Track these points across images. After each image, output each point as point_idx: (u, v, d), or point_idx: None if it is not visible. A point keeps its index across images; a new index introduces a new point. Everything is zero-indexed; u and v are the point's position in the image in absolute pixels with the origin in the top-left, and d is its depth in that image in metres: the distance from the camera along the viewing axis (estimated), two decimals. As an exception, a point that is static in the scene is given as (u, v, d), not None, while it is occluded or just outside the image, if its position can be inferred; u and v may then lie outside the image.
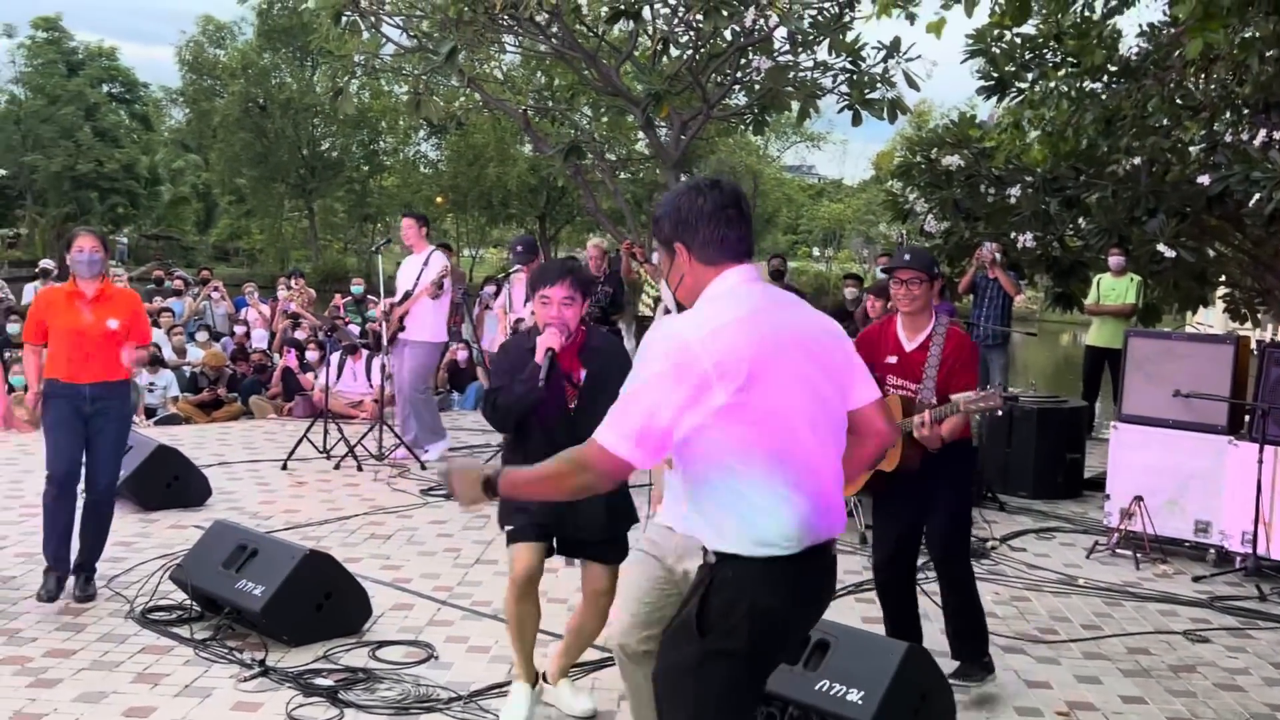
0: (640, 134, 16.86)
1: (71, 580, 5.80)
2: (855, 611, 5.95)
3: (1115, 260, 10.66)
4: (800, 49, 11.43)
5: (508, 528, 4.45)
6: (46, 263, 18.77)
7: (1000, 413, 4.79)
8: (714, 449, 2.64)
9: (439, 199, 44.30)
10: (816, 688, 4.29)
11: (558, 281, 4.36)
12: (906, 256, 4.94)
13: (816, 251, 59.48)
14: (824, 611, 2.94)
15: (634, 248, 11.75)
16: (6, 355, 11.53)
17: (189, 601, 5.52)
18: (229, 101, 44.42)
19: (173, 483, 7.66)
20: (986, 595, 5.32)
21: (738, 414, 2.60)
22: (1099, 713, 4.84)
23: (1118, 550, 7.24)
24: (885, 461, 4.79)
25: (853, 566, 6.84)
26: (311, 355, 12.92)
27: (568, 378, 4.44)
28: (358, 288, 17.37)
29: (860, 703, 4.17)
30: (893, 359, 4.89)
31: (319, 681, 4.73)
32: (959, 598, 5.02)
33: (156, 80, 53.90)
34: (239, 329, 15.51)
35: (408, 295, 9.38)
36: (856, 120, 11.09)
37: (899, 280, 4.86)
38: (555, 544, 4.48)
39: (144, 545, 6.69)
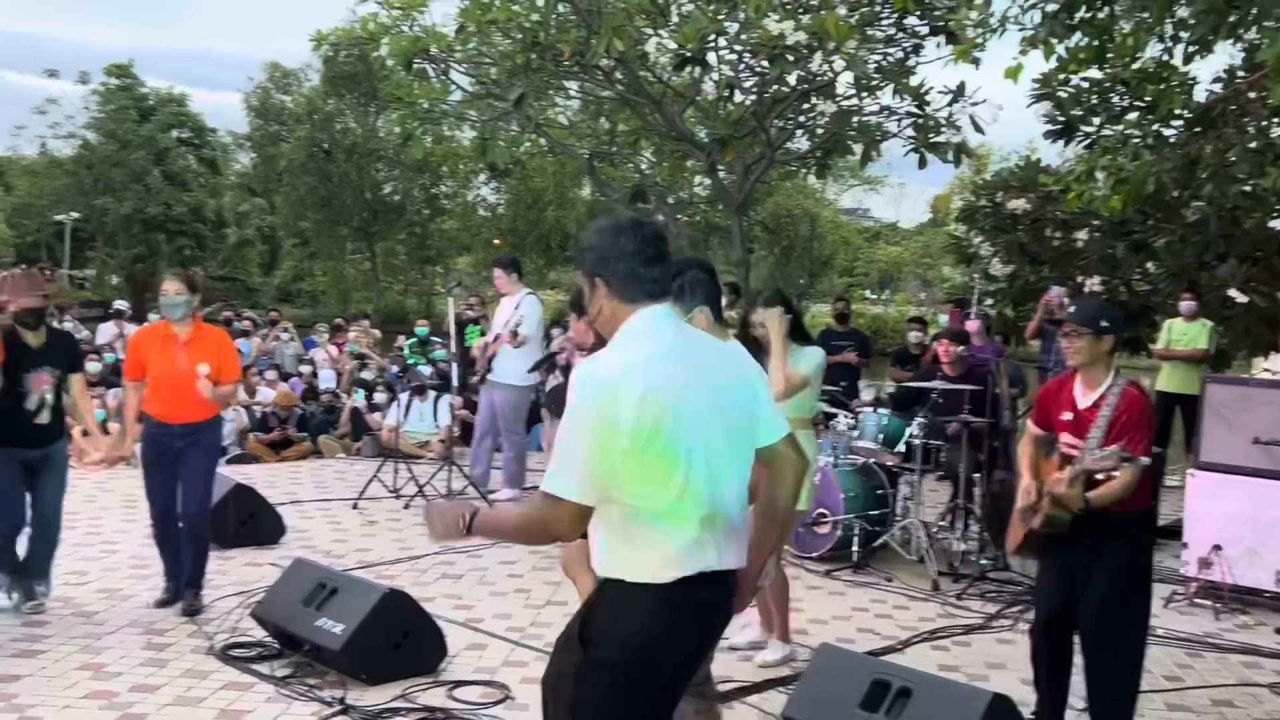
0: (701, 177, 16.93)
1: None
2: (931, 660, 5.88)
3: (1186, 305, 10.52)
4: (865, 93, 11.47)
5: None
6: (120, 304, 19.22)
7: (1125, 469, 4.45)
8: (618, 480, 2.77)
9: (496, 241, 44.75)
10: (898, 735, 4.26)
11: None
12: (1071, 309, 4.86)
13: (871, 294, 59.26)
14: (714, 639, 3.07)
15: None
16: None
17: (269, 639, 5.59)
18: (294, 146, 45.23)
19: (248, 520, 7.77)
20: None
21: (644, 447, 2.72)
22: (1185, 766, 4.75)
23: (1196, 600, 7.10)
24: (1035, 518, 4.64)
25: (926, 614, 6.78)
26: (379, 396, 13.08)
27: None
28: (422, 329, 17.57)
29: (945, 750, 4.14)
30: (1067, 416, 4.69)
31: (398, 720, 4.77)
32: (1107, 679, 4.68)
33: (224, 125, 54.79)
34: (305, 369, 15.74)
35: (497, 338, 9.54)
36: (922, 163, 11.08)
37: (1064, 332, 4.75)
38: None
39: (221, 582, 6.78)
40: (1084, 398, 4.67)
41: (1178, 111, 8.82)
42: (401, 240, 48.52)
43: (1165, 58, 7.07)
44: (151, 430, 6.19)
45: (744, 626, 5.98)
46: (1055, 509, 4.54)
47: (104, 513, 8.58)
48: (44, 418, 6.03)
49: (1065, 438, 4.69)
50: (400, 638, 5.30)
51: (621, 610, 2.83)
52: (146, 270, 47.02)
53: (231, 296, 44.94)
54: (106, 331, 17.11)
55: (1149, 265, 11.08)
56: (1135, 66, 7.53)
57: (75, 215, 49.28)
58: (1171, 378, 10.98)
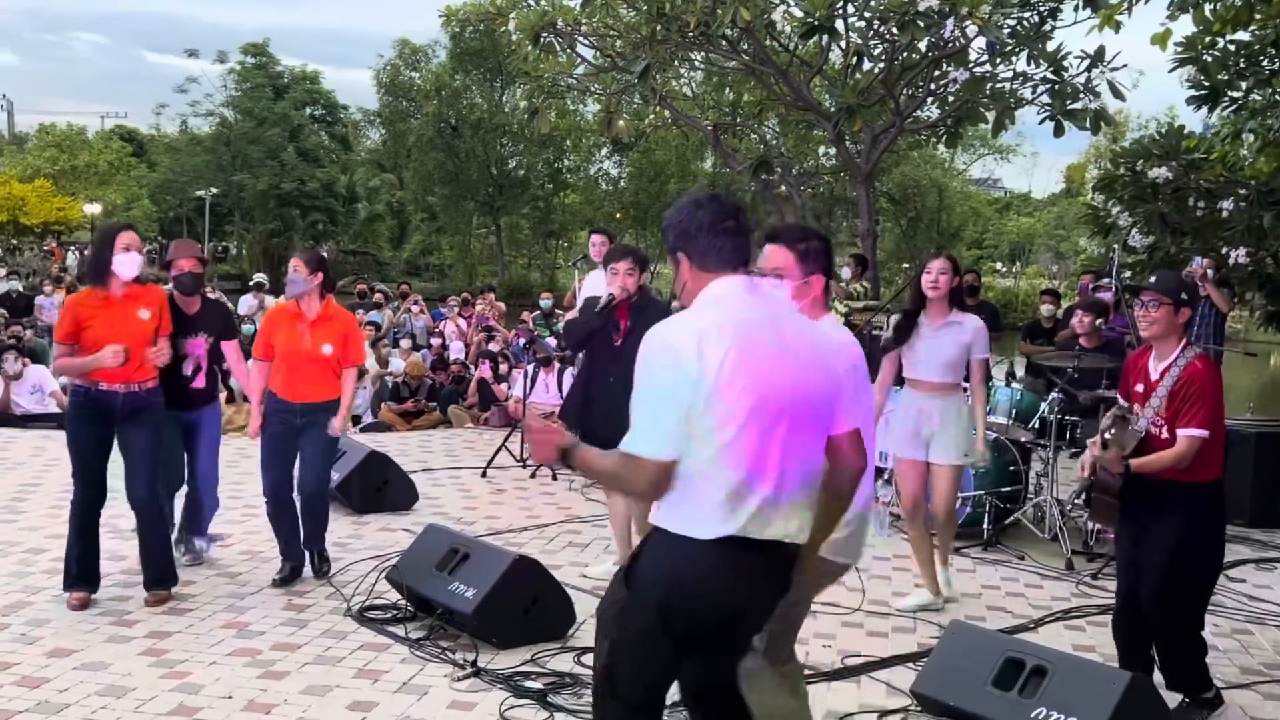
0: (827, 148, 16.71)
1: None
2: (1065, 639, 5.75)
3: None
4: (998, 59, 11.18)
5: None
6: (259, 276, 19.88)
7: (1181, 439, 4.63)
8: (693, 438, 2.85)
9: (618, 215, 44.95)
10: (1033, 715, 4.19)
11: (623, 259, 6.16)
12: (1153, 279, 4.86)
13: (1001, 267, 57.89)
14: (764, 607, 3.08)
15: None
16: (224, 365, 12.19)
17: (403, 601, 5.75)
18: (422, 122, 46.05)
19: (382, 487, 7.98)
20: (1205, 628, 5.07)
21: (707, 408, 2.81)
22: (1337, 755, 4.57)
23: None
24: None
25: (1060, 593, 6.64)
26: (505, 367, 13.29)
27: (616, 324, 6.14)
28: (546, 302, 17.78)
29: (1081, 731, 4.06)
30: (1140, 387, 4.79)
31: (529, 684, 4.85)
32: (1167, 643, 4.80)
33: (355, 102, 56.23)
34: (435, 340, 16.07)
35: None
36: (1059, 131, 10.77)
37: (1140, 302, 4.78)
38: None
39: (357, 546, 6.99)
40: (1155, 369, 4.74)
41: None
42: (525, 215, 49.11)
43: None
44: (272, 407, 6.23)
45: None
46: (1100, 472, 4.79)
47: (246, 478, 8.89)
48: (199, 382, 6.29)
49: (1138, 409, 4.77)
50: (530, 603, 5.39)
51: (662, 558, 2.93)
52: (281, 244, 48.54)
53: (363, 270, 46.15)
54: (246, 304, 17.73)
55: (1298, 232, 10.54)
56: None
57: (214, 191, 51.06)
58: (1324, 353, 10.49)
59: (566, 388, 11.55)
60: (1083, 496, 5.26)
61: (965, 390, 6.26)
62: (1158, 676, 4.76)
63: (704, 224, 2.99)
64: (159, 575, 5.86)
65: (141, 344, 5.65)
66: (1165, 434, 4.65)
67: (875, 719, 4.61)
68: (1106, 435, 4.83)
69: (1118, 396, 5.07)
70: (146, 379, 5.71)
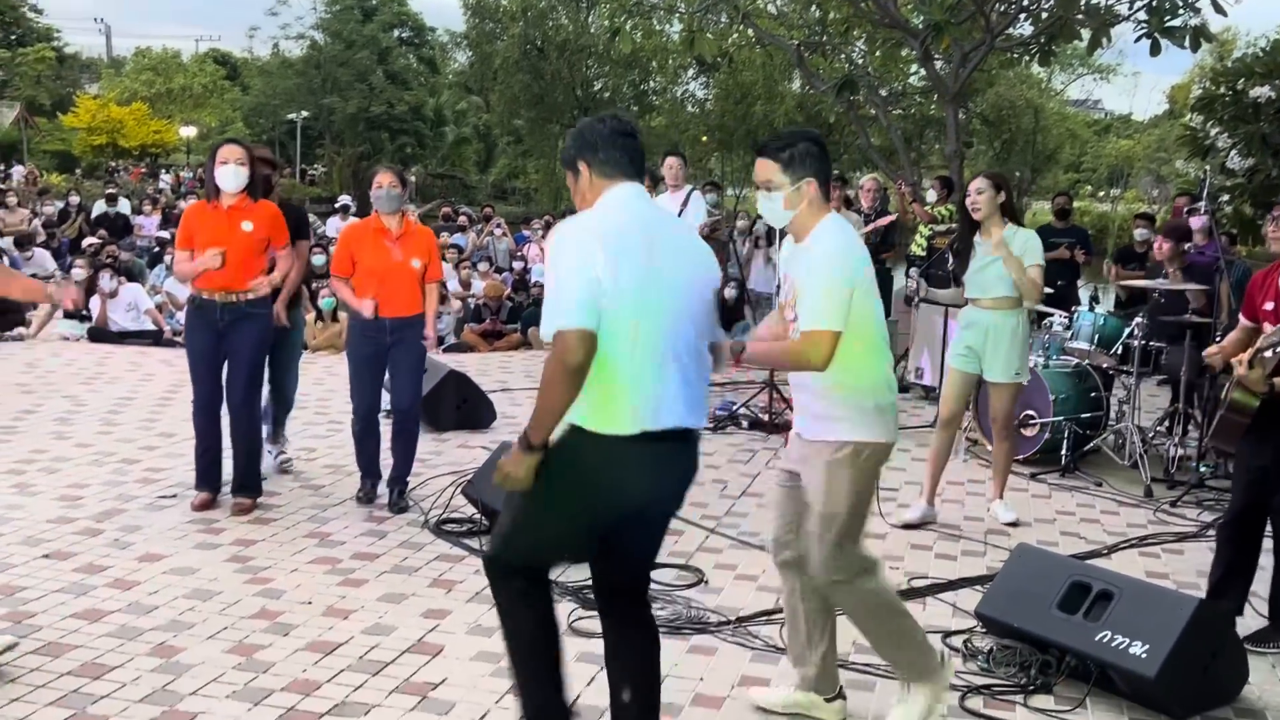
0: (916, 67, 16.34)
1: (385, 492, 6.34)
2: (1139, 566, 5.71)
3: None
4: (1094, -28, 10.80)
5: None
6: (345, 198, 20.16)
7: None
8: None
9: (704, 138, 44.47)
10: (1097, 638, 4.20)
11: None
12: None
13: (1100, 191, 56.26)
14: (656, 491, 3.26)
15: (905, 187, 11.49)
16: (314, 285, 12.44)
17: (478, 515, 5.90)
18: (508, 44, 45.82)
19: (461, 405, 8.15)
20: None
21: (614, 301, 3.02)
22: None
23: None
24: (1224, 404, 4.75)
25: (1136, 520, 6.58)
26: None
27: None
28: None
29: (1144, 656, 4.06)
30: (1269, 305, 4.66)
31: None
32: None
33: (442, 25, 56.11)
34: (518, 264, 16.19)
35: None
36: (1155, 50, 10.39)
37: (1272, 217, 4.72)
38: None
39: (436, 462, 7.16)
40: None
41: None
42: (609, 137, 48.83)
43: None
44: (358, 324, 6.21)
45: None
46: (1239, 393, 4.59)
47: (331, 394, 9.14)
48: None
49: (1266, 327, 4.62)
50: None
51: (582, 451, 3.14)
52: (370, 167, 48.98)
53: (449, 194, 46.49)
54: (334, 226, 18.01)
55: None
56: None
57: (305, 114, 51.65)
58: None
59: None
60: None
61: (1022, 306, 6.20)
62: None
63: (602, 136, 3.25)
64: (243, 483, 6.08)
65: (241, 254, 5.83)
66: None
67: (939, 639, 4.64)
68: (1267, 354, 4.57)
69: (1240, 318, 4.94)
70: (247, 290, 5.88)
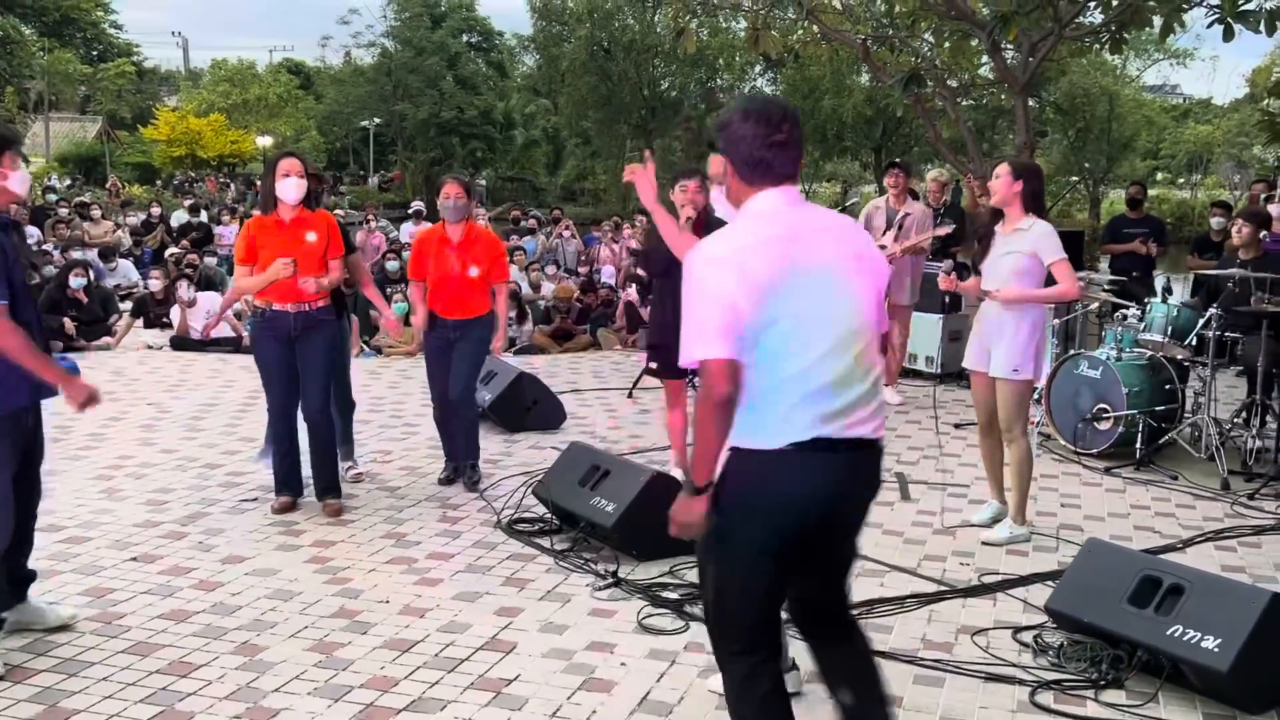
0: (985, 59, 16.17)
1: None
2: (1214, 560, 5.64)
3: None
4: (1165, -42, 10.60)
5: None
6: (418, 204, 20.42)
7: None
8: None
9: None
10: (1169, 632, 4.17)
11: (693, 177, 6.21)
12: None
13: (1180, 179, 55.02)
14: (847, 505, 3.05)
15: (974, 181, 11.38)
16: (387, 289, 12.66)
17: (549, 515, 5.99)
18: (576, 46, 46.00)
19: (532, 407, 8.26)
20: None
21: (759, 327, 2.81)
22: None
23: None
24: None
25: (1213, 513, 6.49)
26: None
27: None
28: (696, 224, 17.77)
29: (1216, 650, 4.02)
30: None
31: (666, 595, 5.02)
32: None
33: (510, 29, 56.46)
34: (583, 268, 16.30)
35: None
36: (1228, 35, 10.15)
37: None
38: None
39: (508, 463, 7.28)
40: None
41: None
42: (678, 136, 48.83)
43: None
44: (431, 325, 6.64)
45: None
46: None
47: (406, 398, 9.31)
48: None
49: None
50: (669, 518, 5.52)
51: (742, 474, 2.92)
52: (442, 172, 49.52)
53: (520, 196, 46.88)
54: (407, 231, 18.28)
55: None
56: None
57: (377, 121, 52.38)
58: None
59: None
60: None
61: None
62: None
63: (748, 136, 2.94)
64: (329, 485, 6.24)
65: (308, 264, 5.98)
66: None
67: (1009, 635, 4.64)
68: None
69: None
70: (316, 299, 6.04)
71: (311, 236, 6.02)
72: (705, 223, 6.36)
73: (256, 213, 6.38)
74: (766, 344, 2.84)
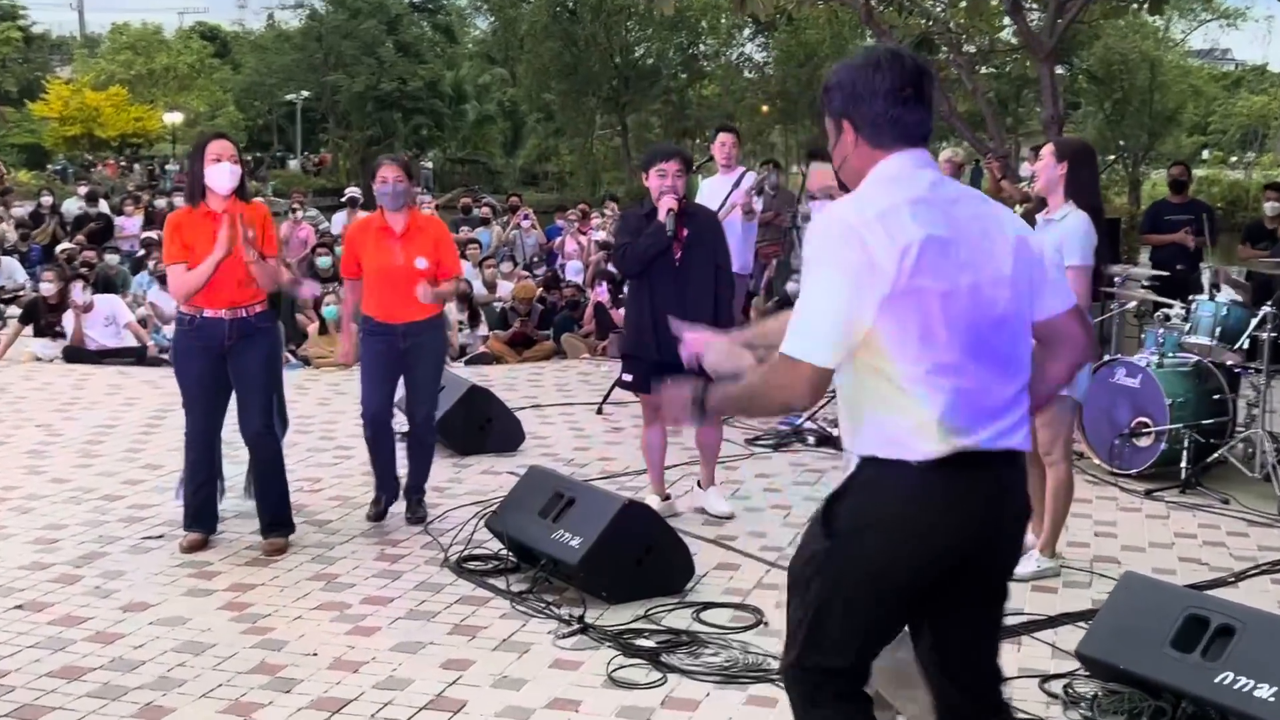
0: (1007, 20, 16.28)
1: (402, 504, 6.63)
2: (1270, 595, 5.69)
3: None
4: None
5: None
6: (353, 191, 20.41)
7: None
8: (873, 342, 2.75)
9: (764, 108, 44.46)
10: (1217, 680, 4.18)
11: (672, 158, 6.40)
12: None
13: (1234, 156, 55.58)
14: (994, 533, 2.92)
15: (995, 161, 11.48)
16: (322, 291, 12.63)
17: (504, 551, 5.98)
18: (535, 7, 46.06)
19: (485, 425, 8.26)
20: None
21: (900, 305, 2.70)
22: None
23: None
24: None
25: (1270, 542, 6.56)
26: (626, 290, 13.45)
27: (675, 235, 6.36)
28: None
29: (1273, 700, 4.03)
30: None
31: (640, 642, 5.02)
32: None
33: (457, -9, 56.45)
34: (546, 265, 16.32)
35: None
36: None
37: None
38: None
39: (457, 491, 7.27)
40: None
41: None
42: (656, 110, 48.93)
43: None
44: (369, 330, 6.51)
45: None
46: None
47: (339, 416, 9.30)
48: None
49: None
50: (643, 553, 5.55)
51: (873, 491, 2.84)
52: (381, 152, 49.45)
53: (473, 180, 46.87)
54: (339, 222, 18.23)
55: None
56: None
57: (305, 94, 52.27)
58: None
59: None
60: None
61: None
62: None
63: (879, 90, 2.85)
64: (276, 519, 6.22)
65: (238, 263, 5.91)
66: None
67: (1036, 684, 4.65)
68: None
69: None
70: (254, 302, 6.04)
71: (249, 232, 5.93)
72: (689, 213, 6.43)
73: (180, 203, 6.33)
74: (905, 327, 2.76)
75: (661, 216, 6.35)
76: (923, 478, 2.78)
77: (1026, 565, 5.89)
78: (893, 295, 2.70)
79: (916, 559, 2.84)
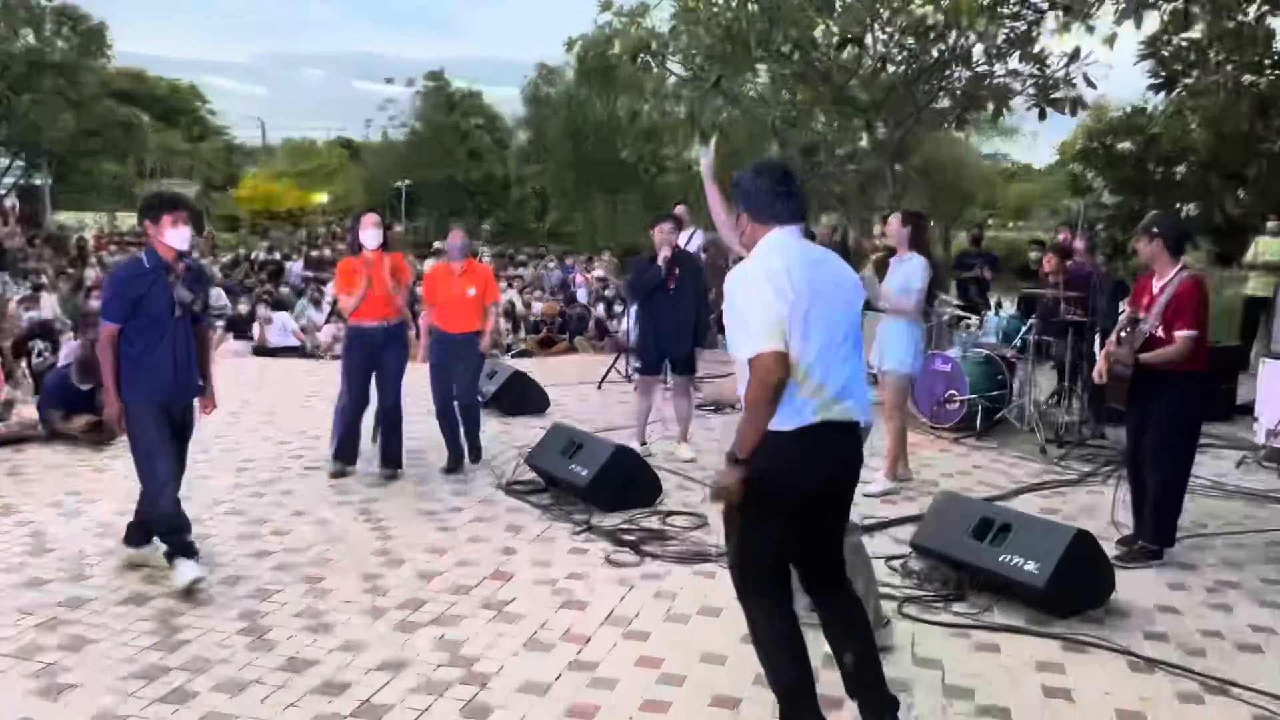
0: (863, 134, 16.32)
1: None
2: (1033, 505, 5.69)
3: (1273, 224, 9.51)
4: (995, 61, 10.76)
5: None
6: (439, 244, 20.25)
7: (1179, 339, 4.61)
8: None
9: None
10: (999, 559, 4.22)
11: (668, 220, 6.61)
12: (1144, 221, 4.87)
13: (1010, 225, 55.52)
14: (836, 473, 2.91)
15: (857, 226, 11.44)
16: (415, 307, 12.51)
17: (537, 479, 5.96)
18: (556, 126, 45.88)
19: (524, 396, 8.21)
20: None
21: (791, 327, 2.74)
22: (1242, 589, 4.49)
23: (1264, 463, 6.58)
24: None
25: (1034, 471, 6.56)
26: (617, 307, 13.42)
27: (669, 273, 6.45)
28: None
29: (1036, 572, 4.08)
30: (1146, 299, 4.74)
31: (626, 537, 5.03)
32: (1157, 492, 4.74)
33: (508, 111, 55.99)
34: (564, 292, 16.23)
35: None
36: (1042, 116, 10.34)
37: (1138, 236, 4.83)
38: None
39: (507, 439, 7.22)
40: (1155, 286, 4.70)
41: (1267, 63, 7.86)
42: (635, 193, 48.69)
43: (1242, 17, 6.32)
44: (436, 339, 6.43)
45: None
46: (1114, 364, 4.76)
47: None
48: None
49: (1143, 315, 4.70)
50: (628, 480, 5.54)
51: (763, 453, 2.77)
52: (456, 220, 49.14)
53: (515, 238, 46.56)
54: (429, 265, 18.10)
55: (1240, 193, 10.02)
56: (1226, 26, 6.74)
57: (407, 182, 51.86)
58: (1256, 285, 10.01)
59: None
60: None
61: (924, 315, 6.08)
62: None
63: (763, 188, 2.91)
64: (391, 457, 6.16)
65: (385, 291, 5.92)
66: (1162, 334, 4.61)
67: (883, 563, 4.67)
68: (1121, 335, 4.75)
69: (1125, 310, 4.98)
70: (393, 317, 6.01)
71: (387, 273, 5.94)
72: (680, 257, 6.58)
73: (328, 254, 6.29)
74: (793, 343, 2.74)
75: (662, 259, 6.46)
76: (796, 439, 2.78)
77: (878, 485, 5.94)
78: (792, 320, 2.75)
79: (796, 492, 2.83)
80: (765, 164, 3.00)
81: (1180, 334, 4.54)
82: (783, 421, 2.77)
